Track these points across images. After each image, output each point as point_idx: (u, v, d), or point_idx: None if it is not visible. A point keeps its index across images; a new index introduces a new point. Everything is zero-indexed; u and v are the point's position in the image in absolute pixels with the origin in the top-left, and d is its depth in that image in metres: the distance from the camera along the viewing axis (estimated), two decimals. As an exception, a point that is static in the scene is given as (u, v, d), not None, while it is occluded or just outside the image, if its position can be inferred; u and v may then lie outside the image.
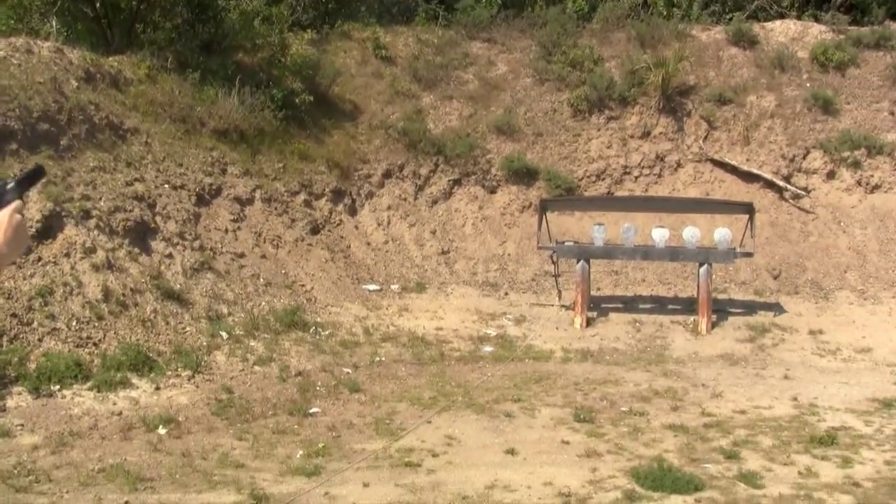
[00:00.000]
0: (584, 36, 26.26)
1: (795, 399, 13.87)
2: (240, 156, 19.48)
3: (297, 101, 21.14)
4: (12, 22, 19.90)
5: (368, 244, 20.48)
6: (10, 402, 11.68)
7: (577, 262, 18.87)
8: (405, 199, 21.83)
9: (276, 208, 19.17)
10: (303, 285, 17.97)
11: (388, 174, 22.05)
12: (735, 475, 10.29)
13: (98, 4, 21.20)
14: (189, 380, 13.39)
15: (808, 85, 24.61)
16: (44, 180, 14.07)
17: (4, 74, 16.17)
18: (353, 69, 24.23)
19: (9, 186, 3.19)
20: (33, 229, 13.92)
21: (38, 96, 16.23)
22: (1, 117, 15.30)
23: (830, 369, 16.21)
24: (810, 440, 11.69)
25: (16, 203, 3.14)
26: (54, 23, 19.92)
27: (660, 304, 19.66)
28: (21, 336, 12.70)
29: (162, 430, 11.55)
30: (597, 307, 19.23)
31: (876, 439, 11.95)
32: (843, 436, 11.96)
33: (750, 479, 10.14)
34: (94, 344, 13.29)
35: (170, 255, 16.05)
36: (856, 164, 22.95)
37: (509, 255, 21.33)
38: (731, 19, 26.81)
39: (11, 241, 3.09)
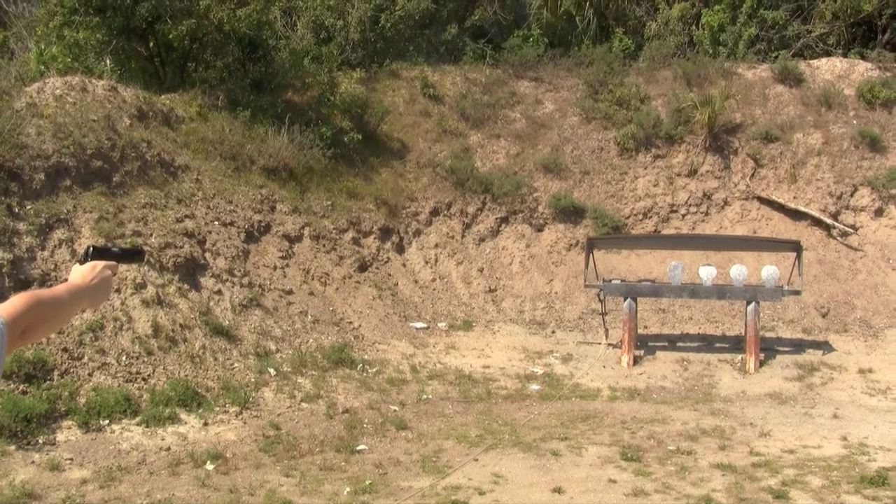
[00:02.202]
0: (631, 74, 26.32)
1: (845, 438, 13.73)
2: (289, 193, 19.63)
3: (345, 139, 21.29)
4: (68, 60, 20.19)
5: (416, 282, 20.54)
6: (59, 436, 11.80)
7: (624, 301, 18.83)
8: (452, 237, 21.89)
9: (324, 245, 19.29)
10: (350, 322, 18.04)
11: (435, 212, 22.13)
12: (784, 515, 10.22)
13: (151, 44, 21.50)
14: (237, 416, 13.47)
15: (854, 122, 24.53)
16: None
17: (60, 112, 16.43)
18: (401, 108, 24.38)
19: (115, 250, 3.66)
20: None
21: (91, 134, 16.48)
22: (56, 154, 15.54)
23: (881, 408, 16.03)
24: (861, 480, 11.55)
25: (112, 263, 3.55)
26: (108, 62, 20.20)
27: (707, 343, 19.56)
28: (71, 370, 12.85)
29: (210, 466, 11.61)
30: (644, 345, 19.17)
31: (927, 480, 11.82)
32: (894, 476, 11.82)
33: (799, 519, 10.07)
34: (144, 379, 13.41)
35: (219, 292, 16.18)
36: (904, 202, 22.87)
37: (556, 293, 21.32)
38: (776, 57, 26.75)
39: (96, 287, 3.41)
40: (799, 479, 11.68)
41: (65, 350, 12.99)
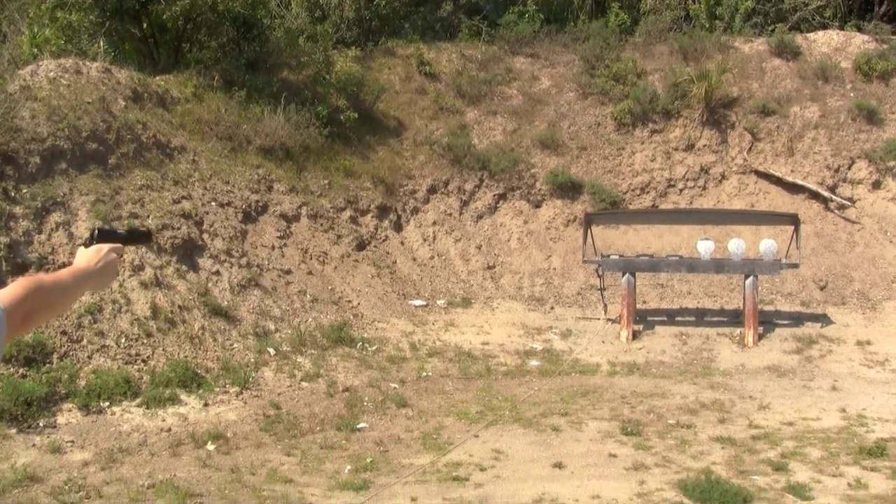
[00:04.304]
0: (627, 49, 26.26)
1: (844, 410, 13.78)
2: (285, 173, 19.60)
3: (341, 117, 21.24)
4: (62, 43, 20.12)
5: (414, 260, 20.53)
6: (60, 419, 11.81)
7: (623, 276, 18.84)
8: (450, 215, 21.87)
9: (322, 225, 19.27)
10: (349, 301, 18.04)
11: (433, 190, 22.10)
12: (784, 487, 10.24)
13: (145, 25, 21.41)
14: (237, 396, 13.48)
15: (851, 95, 24.48)
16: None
17: (54, 95, 16.39)
18: (397, 85, 24.33)
19: (120, 231, 3.59)
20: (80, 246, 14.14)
21: (86, 116, 16.44)
22: (51, 137, 15.50)
23: (879, 380, 16.08)
24: (859, 451, 11.60)
25: (118, 245, 3.47)
26: (102, 43, 20.12)
27: (706, 317, 19.58)
28: (71, 353, 12.85)
29: (211, 446, 11.63)
30: (643, 320, 19.18)
31: (926, 451, 11.85)
32: (893, 447, 11.86)
33: (799, 490, 10.09)
34: (143, 361, 13.42)
35: (217, 272, 16.18)
36: (901, 174, 22.87)
37: (555, 269, 21.32)
38: (773, 31, 26.68)
39: (101, 271, 3.35)
40: (798, 450, 11.72)
41: (64, 333, 13.00)
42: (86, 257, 3.35)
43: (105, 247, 3.39)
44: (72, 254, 13.83)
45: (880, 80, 24.81)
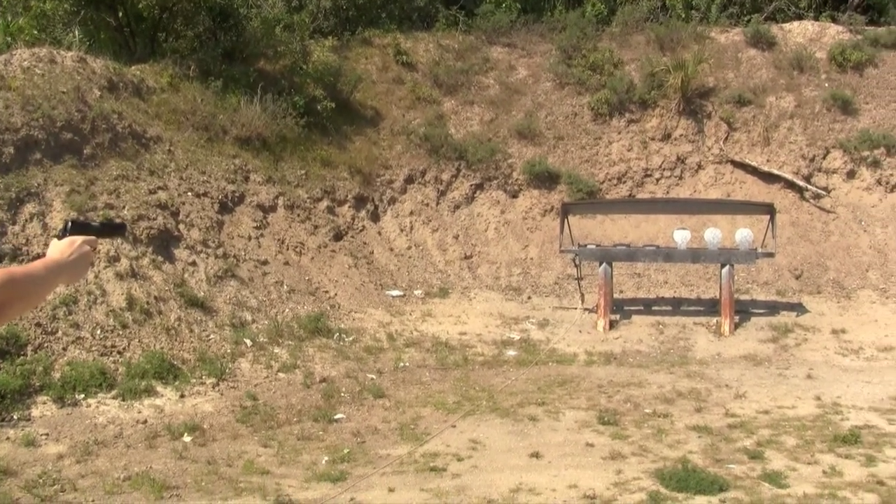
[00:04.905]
0: (604, 39, 26.30)
1: (819, 398, 13.83)
2: (262, 163, 19.54)
3: (318, 107, 21.19)
4: (35, 32, 19.99)
5: (391, 250, 20.51)
6: (34, 412, 11.75)
7: (600, 265, 18.86)
8: (427, 205, 21.85)
9: (298, 215, 19.22)
10: (326, 292, 18.01)
11: (410, 180, 22.08)
12: (759, 475, 10.27)
13: (121, 14, 21.30)
14: (213, 387, 13.44)
15: (826, 85, 24.59)
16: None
17: (28, 84, 16.29)
18: (374, 75, 24.28)
19: (94, 224, 3.56)
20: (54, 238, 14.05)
21: (61, 106, 16.34)
22: (25, 127, 15.41)
23: (853, 368, 16.16)
24: (834, 439, 11.65)
25: (91, 237, 3.43)
26: (77, 32, 20.02)
27: (682, 306, 19.63)
28: (45, 345, 12.79)
29: (187, 438, 11.59)
30: (619, 310, 19.21)
31: (900, 438, 11.92)
32: (867, 434, 11.92)
33: (774, 478, 10.12)
34: (119, 352, 13.36)
35: (193, 263, 16.12)
36: (875, 163, 22.97)
37: (532, 259, 21.33)
38: (749, 21, 26.79)
39: (74, 263, 3.30)
40: (774, 438, 11.76)
41: (38, 325, 12.93)
42: (59, 249, 3.30)
43: (78, 239, 3.35)
44: (46, 245, 13.72)
45: (854, 71, 24.94)
